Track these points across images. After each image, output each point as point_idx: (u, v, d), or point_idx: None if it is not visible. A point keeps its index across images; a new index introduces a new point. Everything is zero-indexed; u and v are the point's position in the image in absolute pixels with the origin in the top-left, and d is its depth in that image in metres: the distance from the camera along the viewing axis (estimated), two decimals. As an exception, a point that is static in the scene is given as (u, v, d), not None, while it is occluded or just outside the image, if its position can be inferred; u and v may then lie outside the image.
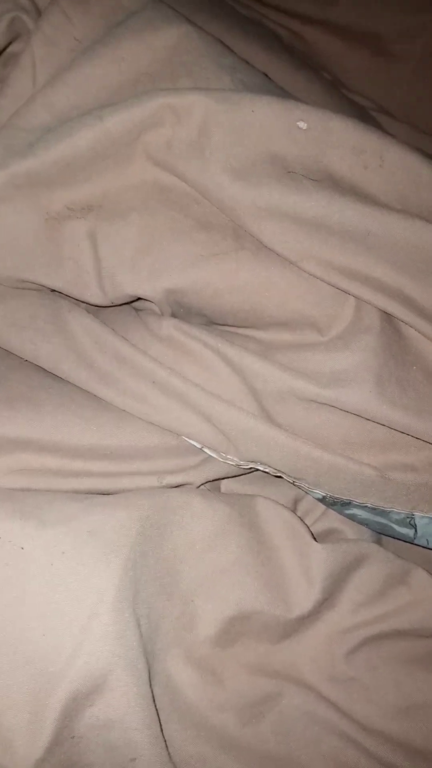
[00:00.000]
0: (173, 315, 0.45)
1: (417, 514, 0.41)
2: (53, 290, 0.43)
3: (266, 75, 0.45)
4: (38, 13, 0.45)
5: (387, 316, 0.41)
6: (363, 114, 0.56)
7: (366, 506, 0.42)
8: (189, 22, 0.43)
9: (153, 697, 0.38)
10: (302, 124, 0.39)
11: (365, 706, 0.44)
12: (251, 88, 0.42)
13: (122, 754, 0.37)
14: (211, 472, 0.44)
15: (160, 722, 0.38)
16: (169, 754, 0.39)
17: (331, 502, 0.43)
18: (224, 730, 0.42)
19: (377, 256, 0.39)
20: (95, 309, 0.45)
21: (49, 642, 0.36)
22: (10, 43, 0.46)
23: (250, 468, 0.44)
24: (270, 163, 0.40)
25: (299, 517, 0.45)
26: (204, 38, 0.43)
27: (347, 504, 0.43)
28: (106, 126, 0.39)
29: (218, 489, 0.48)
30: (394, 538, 0.45)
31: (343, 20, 0.58)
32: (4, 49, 0.46)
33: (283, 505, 0.45)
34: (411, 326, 0.39)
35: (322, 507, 0.48)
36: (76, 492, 0.42)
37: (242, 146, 0.40)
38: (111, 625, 0.37)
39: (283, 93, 0.45)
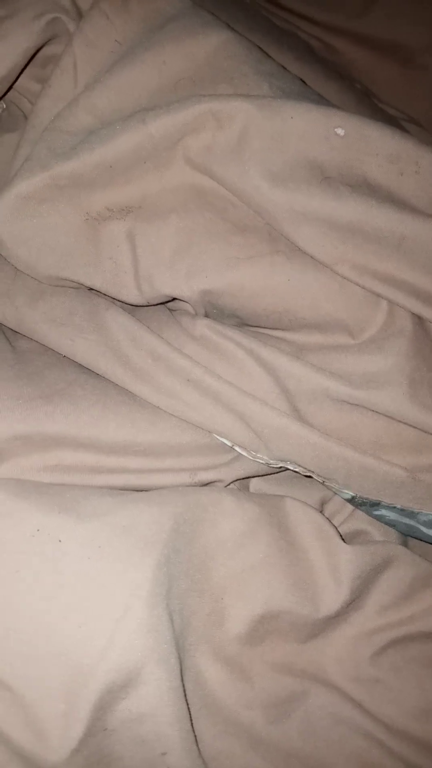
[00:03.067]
0: (207, 316, 0.45)
1: (446, 516, 0.42)
2: (91, 289, 0.44)
3: (303, 82, 0.46)
4: (79, 15, 0.45)
5: (419, 320, 0.42)
6: (395, 124, 0.57)
7: (395, 507, 0.43)
8: (229, 29, 0.44)
9: (184, 691, 0.39)
10: (340, 131, 0.40)
11: (389, 707, 0.44)
12: (289, 95, 0.43)
13: (153, 748, 0.38)
14: (241, 470, 0.45)
15: (190, 717, 0.39)
16: (198, 749, 0.39)
17: (359, 503, 0.44)
18: (252, 727, 0.42)
19: (412, 261, 0.40)
20: (131, 308, 0.45)
21: (84, 634, 0.37)
22: (45, 44, 0.47)
23: (280, 467, 0.45)
24: (308, 169, 0.40)
25: (327, 518, 0.45)
26: (244, 45, 0.44)
27: (376, 505, 0.43)
28: (149, 130, 0.40)
29: (247, 489, 0.48)
30: (421, 540, 0.46)
31: (373, 32, 0.59)
32: (40, 49, 0.46)
33: (311, 506, 0.46)
34: (445, 330, 0.40)
35: (349, 509, 0.48)
36: (111, 488, 0.42)
37: (281, 152, 0.40)
38: (145, 619, 0.37)
39: (320, 99, 0.46)
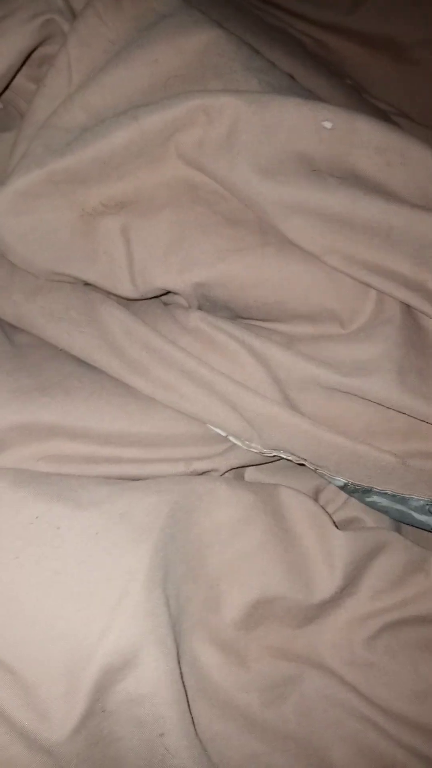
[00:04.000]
0: (200, 308, 0.46)
1: (437, 500, 0.43)
2: (87, 283, 0.45)
3: (292, 77, 0.47)
4: (73, 15, 0.46)
5: (407, 309, 0.43)
6: (385, 117, 0.58)
7: (386, 493, 0.44)
8: (219, 26, 0.45)
9: (181, 674, 0.39)
10: (328, 124, 0.41)
11: (384, 690, 0.45)
12: (278, 90, 0.44)
13: (151, 729, 0.39)
14: (235, 460, 0.46)
15: (187, 699, 0.39)
16: (195, 730, 0.40)
17: (352, 490, 0.45)
18: (248, 710, 0.43)
19: (400, 251, 0.41)
20: (126, 302, 0.46)
21: (83, 618, 0.38)
22: (40, 44, 0.48)
23: (274, 456, 0.45)
24: (297, 162, 0.41)
25: (321, 506, 0.46)
26: (233, 42, 0.45)
27: (368, 491, 0.44)
28: (141, 126, 0.41)
29: (242, 478, 0.49)
30: (413, 526, 0.47)
31: (365, 27, 0.60)
32: (34, 49, 0.47)
33: (305, 494, 0.47)
34: (432, 318, 0.41)
35: (343, 497, 0.49)
36: (108, 477, 0.43)
37: (270, 145, 0.41)
38: (142, 603, 0.38)
39: (308, 94, 0.47)
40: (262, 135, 0.41)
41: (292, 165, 0.41)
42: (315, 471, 0.45)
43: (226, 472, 0.47)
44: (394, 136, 0.41)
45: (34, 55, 0.47)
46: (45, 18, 0.45)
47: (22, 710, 0.36)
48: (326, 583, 0.44)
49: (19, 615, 0.38)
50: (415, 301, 0.41)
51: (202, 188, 0.43)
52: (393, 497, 0.44)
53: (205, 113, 0.41)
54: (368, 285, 0.42)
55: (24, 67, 0.47)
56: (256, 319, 0.46)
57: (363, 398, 0.42)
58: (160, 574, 0.40)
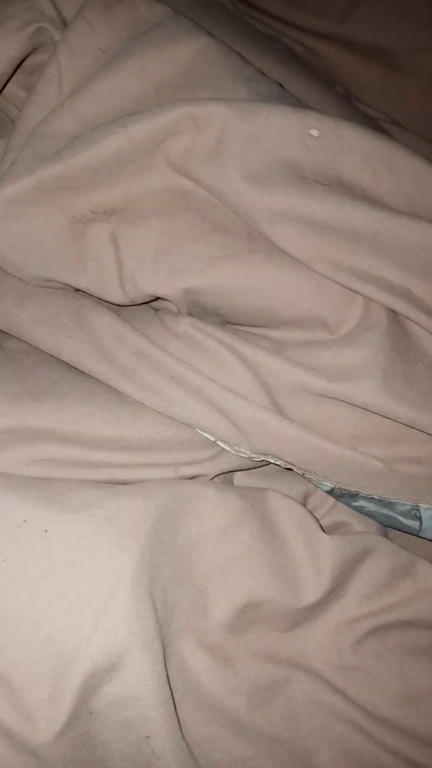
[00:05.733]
0: (190, 314, 0.47)
1: (422, 505, 0.43)
2: (77, 289, 0.45)
3: (281, 86, 0.47)
4: (64, 23, 0.47)
5: (393, 315, 0.43)
6: (374, 125, 0.58)
7: (373, 498, 0.44)
8: (209, 35, 0.45)
9: (168, 677, 0.40)
10: (315, 132, 0.41)
11: (371, 694, 0.46)
12: (267, 98, 0.44)
13: (137, 732, 0.39)
14: (224, 465, 0.46)
15: (174, 703, 0.40)
16: (182, 733, 0.40)
17: (339, 494, 0.45)
18: (235, 713, 0.43)
19: (386, 257, 0.41)
20: (116, 308, 0.47)
21: (70, 620, 0.38)
22: (31, 52, 0.48)
23: (262, 461, 0.46)
24: (284, 169, 0.42)
25: (309, 511, 0.47)
26: (223, 50, 0.45)
27: (355, 496, 0.44)
28: (130, 134, 0.41)
29: (231, 483, 0.49)
30: (400, 530, 0.47)
31: (356, 35, 0.60)
32: (26, 57, 0.48)
33: (293, 498, 0.47)
34: (418, 324, 0.41)
35: (330, 501, 0.49)
36: (96, 482, 0.44)
37: (257, 153, 0.42)
38: (129, 605, 0.39)
39: (297, 102, 0.47)
40: (250, 143, 0.41)
41: (280, 172, 0.42)
42: (302, 476, 0.45)
43: (214, 476, 0.47)
44: (380, 144, 0.42)
45: (26, 63, 0.47)
46: (36, 26, 0.46)
47: (7, 712, 0.37)
48: (314, 587, 0.45)
49: (5, 617, 0.38)
50: (401, 306, 0.41)
51: (192, 196, 0.44)
52: (379, 502, 0.44)
53: (193, 121, 0.41)
54: (355, 291, 0.42)
55: (15, 75, 0.47)
56: (246, 325, 0.46)
57: (350, 404, 0.42)
58: (146, 577, 0.40)
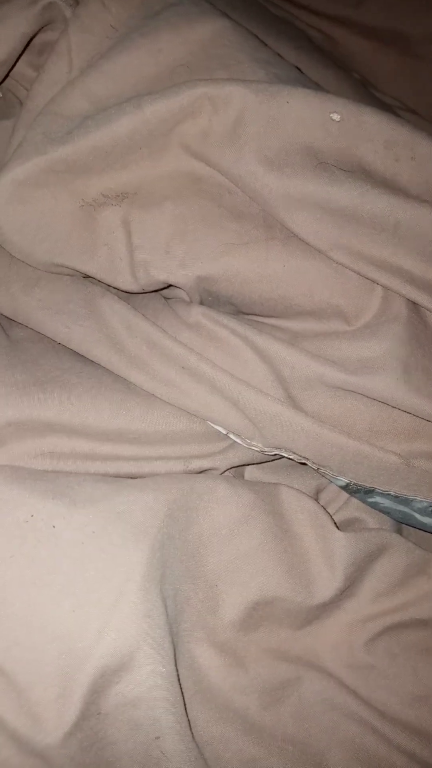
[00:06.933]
0: (202, 303, 0.45)
1: (440, 502, 0.42)
2: (87, 276, 0.44)
3: (300, 70, 0.46)
4: (76, 0, 0.45)
5: (413, 306, 0.42)
6: (391, 112, 0.57)
7: (389, 494, 0.43)
8: (225, 16, 0.44)
9: (178, 676, 0.39)
10: (336, 117, 0.40)
11: (383, 694, 0.45)
12: (285, 82, 0.43)
13: (147, 732, 0.38)
14: (235, 458, 0.45)
15: (184, 702, 0.39)
16: (192, 734, 0.39)
17: (354, 490, 0.44)
18: (246, 712, 0.42)
19: (407, 247, 0.40)
20: (126, 295, 0.45)
21: (78, 619, 0.37)
22: (41, 29, 0.46)
23: (274, 454, 0.45)
24: (303, 154, 0.40)
25: (322, 506, 0.46)
26: (240, 32, 0.44)
27: (370, 492, 0.43)
28: (145, 114, 0.40)
29: (242, 477, 0.48)
30: (415, 527, 0.46)
31: (371, 21, 0.59)
32: (35, 35, 0.46)
33: (306, 493, 0.46)
34: (440, 316, 0.40)
35: (344, 497, 0.48)
36: (105, 475, 0.42)
37: (277, 137, 0.40)
38: (139, 603, 0.37)
39: (316, 86, 0.46)
40: (269, 126, 0.40)
41: (299, 157, 0.40)
42: (317, 471, 0.44)
43: (225, 470, 0.46)
44: (402, 131, 0.40)
45: (35, 41, 0.46)
46: (46, 2, 0.44)
47: (14, 713, 0.35)
48: (326, 585, 0.44)
49: (12, 615, 0.37)
50: (422, 298, 0.40)
51: (206, 180, 0.42)
52: (396, 498, 0.43)
53: (210, 102, 0.40)
54: (374, 281, 0.41)
55: (25, 54, 0.46)
56: (260, 315, 0.45)
57: (367, 397, 0.41)
58: (157, 574, 0.39)
